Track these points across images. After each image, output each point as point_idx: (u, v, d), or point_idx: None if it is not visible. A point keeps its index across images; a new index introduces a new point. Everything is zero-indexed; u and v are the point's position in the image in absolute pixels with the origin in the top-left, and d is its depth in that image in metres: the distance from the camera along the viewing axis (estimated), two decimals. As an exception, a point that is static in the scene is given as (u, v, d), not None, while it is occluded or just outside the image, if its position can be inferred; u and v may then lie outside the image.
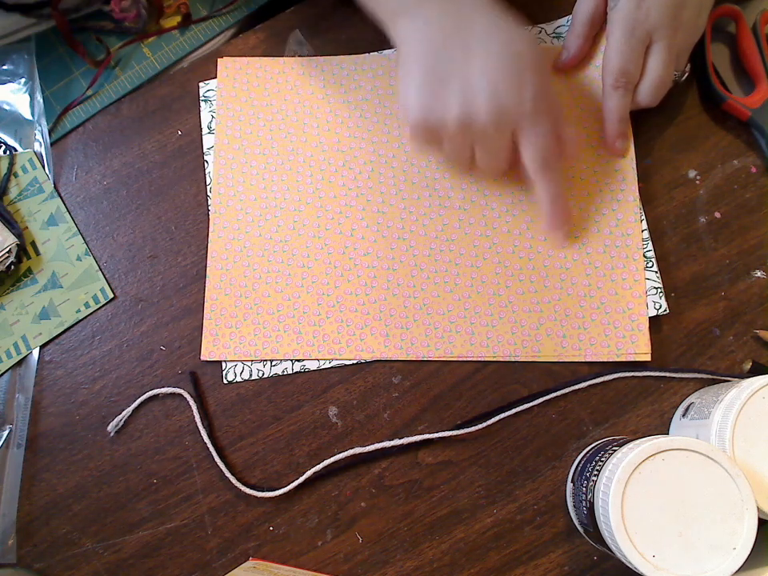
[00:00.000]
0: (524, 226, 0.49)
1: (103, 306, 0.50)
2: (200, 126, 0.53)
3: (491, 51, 0.42)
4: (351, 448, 0.46)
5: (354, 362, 0.47)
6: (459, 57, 0.42)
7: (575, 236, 0.48)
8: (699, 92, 0.51)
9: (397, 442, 0.45)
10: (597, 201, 0.48)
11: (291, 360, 0.48)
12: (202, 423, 0.47)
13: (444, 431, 0.46)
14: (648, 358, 0.45)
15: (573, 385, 0.46)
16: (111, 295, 0.51)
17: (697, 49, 0.49)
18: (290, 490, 0.46)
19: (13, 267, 0.51)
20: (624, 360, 0.46)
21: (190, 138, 0.53)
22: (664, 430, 0.45)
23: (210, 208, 0.51)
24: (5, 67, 0.55)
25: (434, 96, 0.42)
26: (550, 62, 0.51)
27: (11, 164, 0.53)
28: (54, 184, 0.53)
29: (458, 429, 0.46)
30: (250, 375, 0.48)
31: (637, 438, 0.39)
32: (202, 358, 0.48)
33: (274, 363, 0.48)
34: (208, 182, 0.52)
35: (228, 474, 0.46)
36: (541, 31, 0.52)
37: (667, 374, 0.46)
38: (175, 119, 0.54)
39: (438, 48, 0.42)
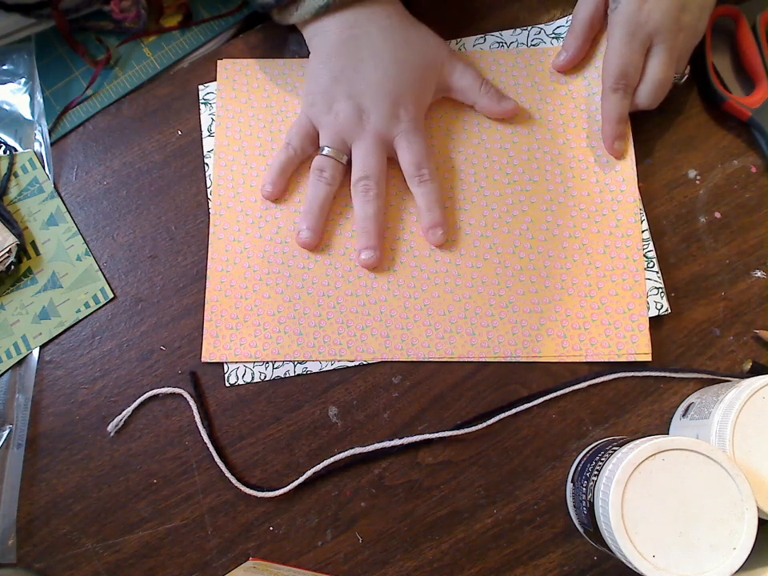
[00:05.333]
0: (524, 226, 0.49)
1: (103, 305, 0.50)
2: (200, 126, 0.53)
3: (378, 63, 0.47)
4: (351, 448, 0.46)
5: (356, 363, 0.47)
6: (350, 65, 0.47)
7: (575, 236, 0.48)
8: (699, 92, 0.51)
9: (397, 442, 0.45)
10: (597, 201, 0.49)
11: (293, 362, 0.48)
12: (202, 423, 0.47)
13: (444, 431, 0.46)
14: (648, 358, 0.45)
15: (573, 385, 0.46)
16: (111, 295, 0.51)
17: (697, 49, 0.49)
18: (289, 490, 0.46)
19: (13, 267, 0.51)
20: (625, 360, 0.46)
21: (190, 137, 0.53)
22: (664, 430, 0.45)
23: (210, 210, 0.51)
24: (5, 67, 0.55)
25: (320, 107, 0.48)
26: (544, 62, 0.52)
27: (11, 164, 0.53)
28: (54, 184, 0.53)
29: (458, 429, 0.46)
30: (252, 378, 0.48)
31: (637, 438, 0.39)
32: (203, 359, 0.48)
33: (276, 366, 0.48)
34: (208, 184, 0.52)
35: (228, 474, 0.46)
36: (540, 31, 0.53)
37: (667, 374, 0.46)
38: (175, 119, 0.54)
39: (333, 54, 0.47)
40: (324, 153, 0.48)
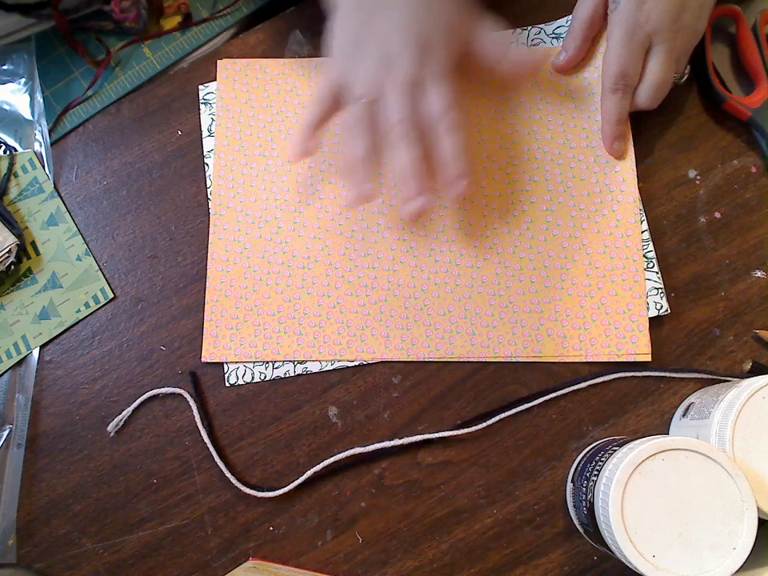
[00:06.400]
0: (524, 226, 0.49)
1: (103, 305, 0.50)
2: (200, 126, 0.53)
3: (404, 9, 0.45)
4: (351, 448, 0.46)
5: (356, 363, 0.47)
6: (377, 12, 0.45)
7: (575, 236, 0.48)
8: (699, 92, 0.51)
9: (397, 442, 0.45)
10: (597, 201, 0.49)
11: (293, 362, 0.48)
12: (202, 423, 0.47)
13: (444, 431, 0.46)
14: (648, 358, 0.45)
15: (573, 385, 0.46)
16: (111, 295, 0.51)
17: (697, 49, 0.49)
18: (290, 490, 0.46)
19: (13, 267, 0.51)
20: (625, 360, 0.46)
21: (190, 138, 0.53)
22: (664, 430, 0.45)
23: (210, 210, 0.51)
24: (5, 67, 0.55)
25: (350, 57, 0.46)
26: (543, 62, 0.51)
27: (11, 164, 0.53)
28: (54, 184, 0.53)
29: (458, 429, 0.46)
30: (252, 378, 0.48)
31: (637, 438, 0.39)
32: (203, 359, 0.48)
33: (276, 366, 0.48)
34: (208, 184, 0.52)
35: (228, 474, 0.46)
36: (540, 31, 0.52)
37: (667, 374, 0.46)
38: (175, 119, 0.54)
39: (360, 4, 0.46)
40: (358, 103, 0.46)
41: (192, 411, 0.48)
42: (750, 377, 0.41)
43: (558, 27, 0.52)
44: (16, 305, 0.51)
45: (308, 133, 0.48)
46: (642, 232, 0.48)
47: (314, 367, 0.48)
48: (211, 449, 0.47)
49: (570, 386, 0.46)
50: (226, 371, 0.48)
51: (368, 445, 0.46)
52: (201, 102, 0.54)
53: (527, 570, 0.44)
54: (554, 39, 0.52)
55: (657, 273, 0.47)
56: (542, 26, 0.53)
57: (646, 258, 0.47)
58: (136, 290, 0.51)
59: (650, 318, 0.46)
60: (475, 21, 0.48)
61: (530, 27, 0.53)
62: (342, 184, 0.51)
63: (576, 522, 0.43)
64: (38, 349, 0.50)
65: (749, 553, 0.35)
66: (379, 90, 0.45)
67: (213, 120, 0.53)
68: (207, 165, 0.52)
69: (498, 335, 0.47)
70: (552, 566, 0.44)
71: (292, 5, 0.55)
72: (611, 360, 0.46)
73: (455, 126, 0.45)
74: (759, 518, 0.35)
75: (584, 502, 0.40)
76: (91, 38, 0.56)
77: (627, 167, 0.49)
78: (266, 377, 0.48)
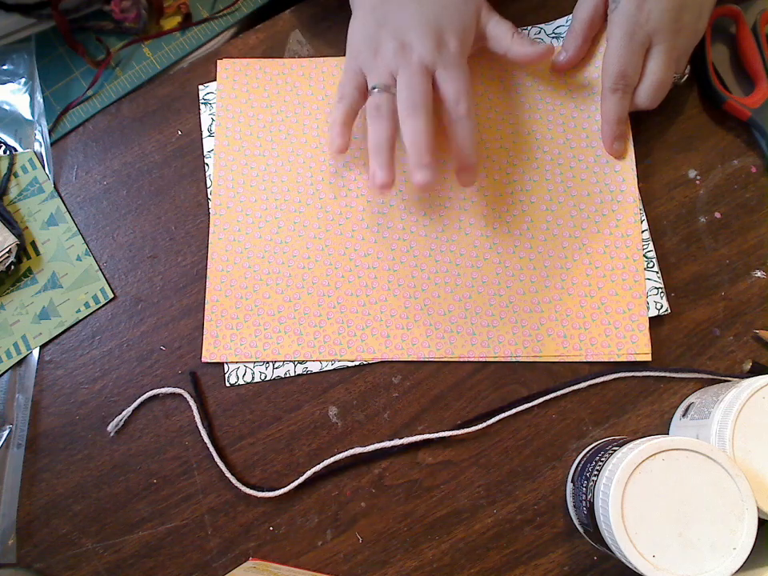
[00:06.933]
0: (524, 226, 0.49)
1: (103, 305, 0.50)
2: (200, 126, 0.53)
3: (423, 3, 0.46)
4: (351, 448, 0.46)
5: (356, 363, 0.47)
6: (395, 9, 0.46)
7: (575, 236, 0.48)
8: (699, 92, 0.51)
9: (397, 442, 0.45)
10: (597, 201, 0.49)
11: (293, 362, 0.48)
12: (202, 423, 0.47)
13: (444, 431, 0.46)
14: (648, 358, 0.45)
15: (573, 385, 0.46)
16: (111, 295, 0.51)
17: (697, 49, 0.49)
18: (290, 490, 0.46)
19: (13, 267, 0.51)
20: (624, 360, 0.46)
21: (190, 138, 0.53)
22: (664, 430, 0.45)
23: (210, 210, 0.51)
24: (5, 67, 0.55)
25: (368, 51, 0.47)
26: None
27: (11, 164, 0.53)
28: (54, 184, 0.53)
29: (458, 429, 0.46)
30: (252, 378, 0.48)
31: (637, 438, 0.39)
32: (203, 359, 0.48)
33: (276, 366, 0.48)
34: (208, 184, 0.52)
35: (228, 474, 0.46)
36: (540, 31, 0.53)
37: (667, 374, 0.46)
38: (175, 119, 0.54)
39: (378, 3, 0.47)
40: (375, 91, 0.47)
41: (192, 411, 0.48)
42: (750, 377, 0.41)
43: (558, 27, 0.52)
44: (16, 305, 0.51)
45: (340, 129, 0.48)
46: (642, 232, 0.48)
47: (314, 367, 0.48)
48: (211, 449, 0.47)
49: (569, 386, 0.46)
50: (226, 371, 0.48)
51: (368, 445, 0.46)
52: (201, 102, 0.54)
53: (527, 570, 0.44)
54: (554, 39, 0.52)
55: (657, 273, 0.47)
56: (542, 25, 0.53)
57: (646, 257, 0.47)
58: (136, 290, 0.51)
59: (650, 318, 0.46)
60: (484, 12, 0.48)
61: (529, 27, 0.53)
62: (342, 183, 0.51)
63: (576, 522, 0.43)
64: (38, 349, 0.50)
65: (749, 553, 0.35)
66: (393, 79, 0.46)
67: (213, 120, 0.53)
68: (207, 165, 0.52)
69: (498, 335, 0.47)
70: (552, 566, 0.44)
71: (292, 5, 0.55)
72: (611, 360, 0.46)
73: (465, 114, 0.46)
74: (759, 518, 0.35)
75: (584, 502, 0.40)
76: (91, 38, 0.56)
77: (627, 167, 0.49)
78: (266, 377, 0.48)
